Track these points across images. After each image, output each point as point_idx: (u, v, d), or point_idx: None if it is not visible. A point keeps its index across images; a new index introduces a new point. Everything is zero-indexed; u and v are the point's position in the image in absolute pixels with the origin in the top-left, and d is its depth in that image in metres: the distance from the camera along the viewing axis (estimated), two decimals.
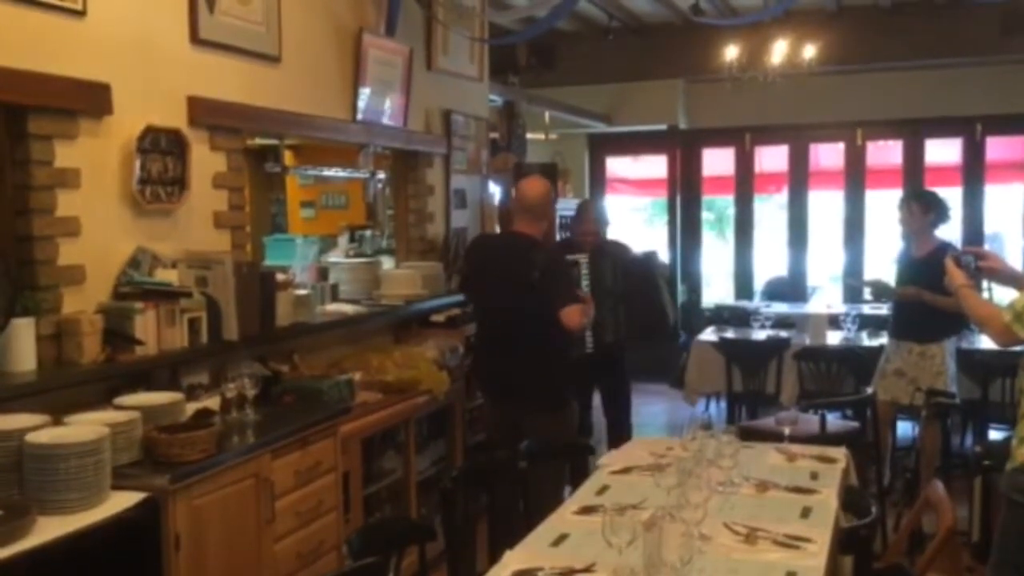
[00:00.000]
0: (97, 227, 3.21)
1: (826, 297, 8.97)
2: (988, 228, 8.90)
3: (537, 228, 4.17)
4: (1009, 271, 3.21)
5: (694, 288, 9.65)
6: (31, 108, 2.96)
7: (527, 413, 4.08)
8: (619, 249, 5.38)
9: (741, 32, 6.64)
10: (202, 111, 3.63)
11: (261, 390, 3.45)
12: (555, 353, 4.10)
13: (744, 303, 8.26)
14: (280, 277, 4.00)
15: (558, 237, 7.29)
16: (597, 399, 5.65)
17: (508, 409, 4.22)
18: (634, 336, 5.20)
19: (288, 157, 6.51)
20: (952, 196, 7.44)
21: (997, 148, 8.82)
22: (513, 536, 2.65)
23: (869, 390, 5.16)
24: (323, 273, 5.09)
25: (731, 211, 9.89)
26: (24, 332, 2.89)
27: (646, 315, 5.20)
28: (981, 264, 3.12)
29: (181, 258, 3.53)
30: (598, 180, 9.97)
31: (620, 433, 5.25)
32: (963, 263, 3.11)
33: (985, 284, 4.65)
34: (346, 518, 3.69)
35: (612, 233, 5.56)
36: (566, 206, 7.69)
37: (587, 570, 2.33)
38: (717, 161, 9.67)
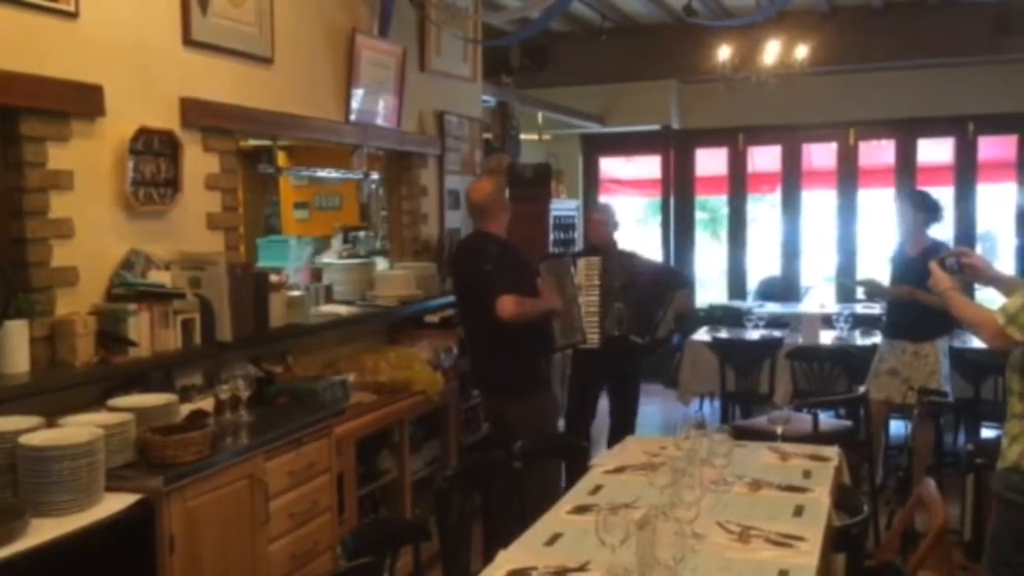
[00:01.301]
0: (90, 229, 3.20)
1: (819, 297, 8.99)
2: (980, 227, 8.93)
3: (494, 225, 4.40)
4: (991, 271, 3.22)
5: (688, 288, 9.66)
6: (23, 110, 2.96)
7: (502, 401, 4.37)
8: (633, 255, 5.57)
9: (734, 33, 6.65)
10: (195, 112, 3.63)
11: (255, 391, 3.45)
12: (515, 340, 4.22)
13: (738, 303, 8.27)
14: (274, 278, 4.00)
15: (552, 237, 7.33)
16: (603, 405, 5.66)
17: (494, 402, 4.50)
18: (628, 330, 5.24)
19: (281, 158, 6.52)
20: (944, 195, 7.47)
21: (989, 147, 8.85)
22: (507, 535, 2.66)
23: (862, 389, 5.17)
24: (317, 274, 5.10)
25: (724, 211, 9.91)
26: (17, 334, 2.89)
27: (640, 317, 5.25)
28: (964, 261, 3.12)
29: (174, 260, 3.52)
30: (592, 180, 9.98)
31: (622, 434, 5.27)
32: (947, 265, 3.10)
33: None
34: (340, 519, 3.69)
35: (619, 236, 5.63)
36: (561, 207, 7.71)
37: (581, 569, 2.34)
38: (710, 161, 9.69)
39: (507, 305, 4.08)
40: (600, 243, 5.46)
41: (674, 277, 5.84)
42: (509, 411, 4.31)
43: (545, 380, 4.52)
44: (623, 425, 5.40)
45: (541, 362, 4.52)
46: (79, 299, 3.16)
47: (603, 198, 9.92)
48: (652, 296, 5.29)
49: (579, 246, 7.57)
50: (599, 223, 5.50)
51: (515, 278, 4.23)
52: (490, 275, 4.17)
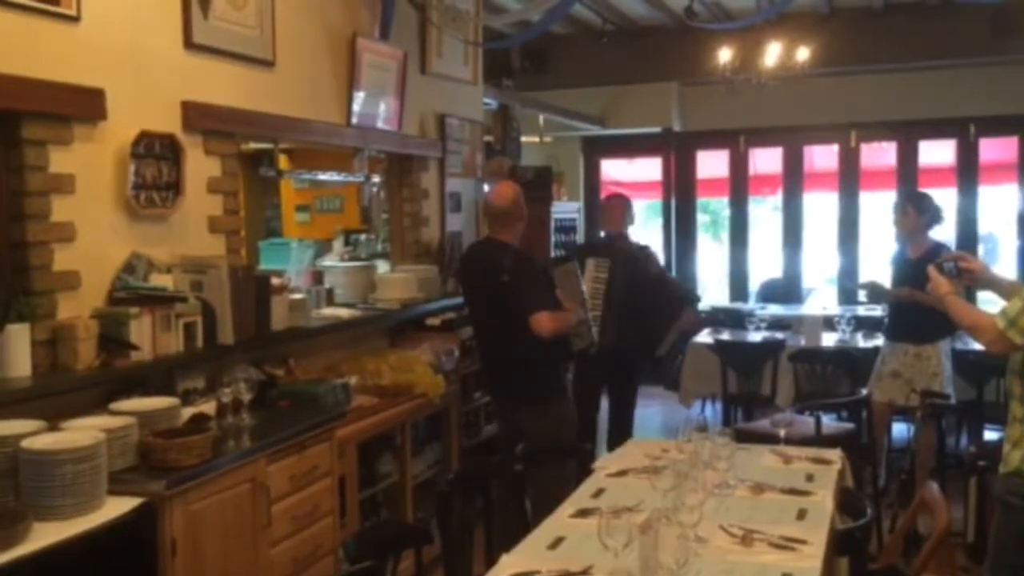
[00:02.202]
0: (92, 232, 3.20)
1: (821, 299, 8.99)
2: (982, 229, 8.93)
3: (510, 233, 4.30)
4: (989, 275, 3.21)
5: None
6: (25, 114, 2.96)
7: (518, 409, 4.30)
8: (645, 260, 5.47)
9: (735, 35, 6.65)
10: (196, 116, 3.63)
11: (257, 394, 3.45)
12: (534, 349, 4.14)
13: (739, 305, 8.27)
14: (275, 281, 4.00)
15: (553, 239, 7.32)
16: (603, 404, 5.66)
17: (506, 408, 4.44)
18: (625, 342, 5.21)
19: (283, 161, 6.52)
20: (946, 197, 7.48)
21: (990, 149, 8.85)
22: (510, 539, 2.66)
23: (864, 391, 5.17)
24: (318, 277, 5.10)
25: (726, 213, 9.91)
26: (19, 338, 2.89)
27: (640, 333, 5.22)
28: (962, 266, 3.11)
29: (176, 263, 3.53)
30: (593, 183, 9.98)
31: (620, 437, 5.26)
32: (945, 269, 3.08)
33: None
34: (342, 522, 3.69)
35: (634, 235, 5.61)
36: (562, 209, 7.71)
37: (583, 573, 2.33)
38: (712, 163, 9.69)
39: (544, 323, 4.01)
40: (613, 232, 5.40)
41: (680, 296, 5.71)
42: (526, 418, 4.23)
43: (563, 385, 4.44)
44: (621, 427, 5.41)
45: (560, 369, 4.43)
46: (81, 303, 3.16)
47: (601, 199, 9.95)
48: (655, 315, 5.24)
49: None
50: (617, 209, 5.47)
51: (540, 290, 4.14)
52: (513, 289, 4.09)
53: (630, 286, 5.21)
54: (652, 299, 5.25)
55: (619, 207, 5.53)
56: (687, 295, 5.83)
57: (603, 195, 9.89)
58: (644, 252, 5.56)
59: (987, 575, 2.97)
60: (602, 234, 5.90)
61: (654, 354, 5.29)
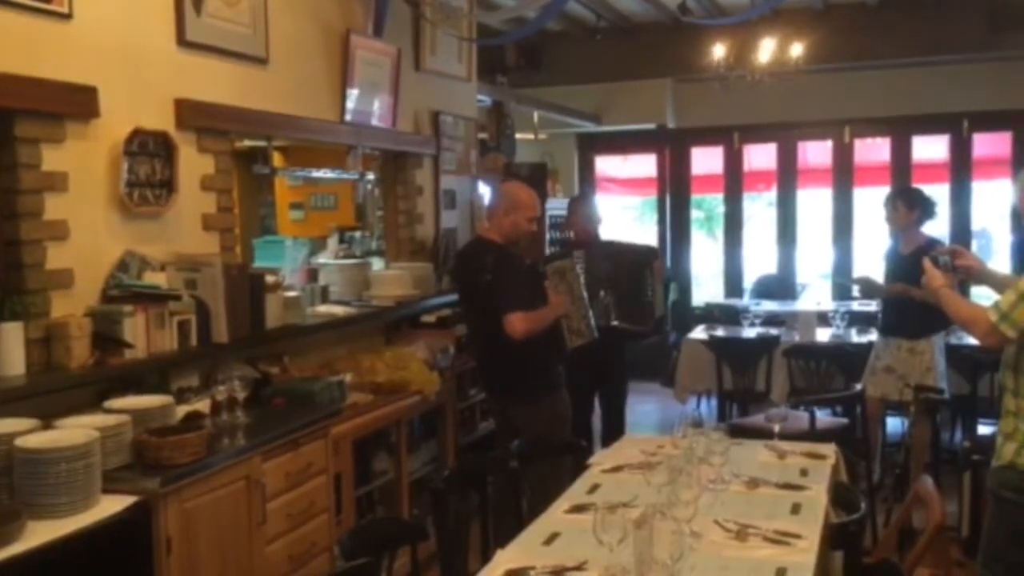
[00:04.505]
0: (85, 230, 3.20)
1: (815, 294, 9.00)
2: (975, 224, 8.94)
3: (495, 230, 4.29)
4: (984, 268, 3.21)
5: (684, 287, 9.68)
6: (18, 112, 2.95)
7: (510, 406, 4.30)
8: (610, 244, 5.45)
9: (729, 31, 6.66)
10: (190, 113, 3.62)
11: (251, 392, 3.45)
12: (523, 346, 4.10)
13: (734, 301, 8.27)
14: (269, 279, 3.99)
15: (548, 236, 7.32)
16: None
17: (501, 405, 4.43)
18: (622, 319, 5.17)
19: (277, 159, 6.50)
20: (940, 193, 7.48)
21: (984, 145, 8.86)
22: (505, 535, 2.66)
23: (858, 387, 5.18)
24: (313, 275, 5.09)
25: (720, 210, 9.91)
26: (13, 336, 2.89)
27: (632, 303, 5.19)
28: (957, 262, 3.11)
29: (170, 261, 3.52)
30: (587, 180, 9.98)
31: (614, 432, 5.25)
32: (940, 263, 3.09)
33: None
34: (338, 519, 3.69)
35: (604, 231, 5.56)
36: (557, 206, 7.71)
37: (578, 568, 2.34)
38: (706, 160, 9.69)
39: (517, 324, 4.00)
40: (584, 241, 5.38)
41: (645, 251, 5.65)
42: (519, 414, 4.23)
43: (555, 381, 4.39)
44: (615, 424, 5.40)
45: (551, 365, 4.39)
46: (74, 301, 3.15)
47: (599, 196, 9.93)
48: (635, 278, 5.22)
49: None
50: (584, 230, 5.39)
51: (518, 289, 4.12)
52: (492, 288, 4.08)
53: (606, 265, 5.12)
54: (628, 268, 5.21)
55: (587, 229, 5.42)
56: (648, 249, 5.76)
57: (597, 192, 9.94)
58: (610, 241, 5.52)
59: (979, 568, 2.97)
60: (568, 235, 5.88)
61: (655, 316, 5.25)
